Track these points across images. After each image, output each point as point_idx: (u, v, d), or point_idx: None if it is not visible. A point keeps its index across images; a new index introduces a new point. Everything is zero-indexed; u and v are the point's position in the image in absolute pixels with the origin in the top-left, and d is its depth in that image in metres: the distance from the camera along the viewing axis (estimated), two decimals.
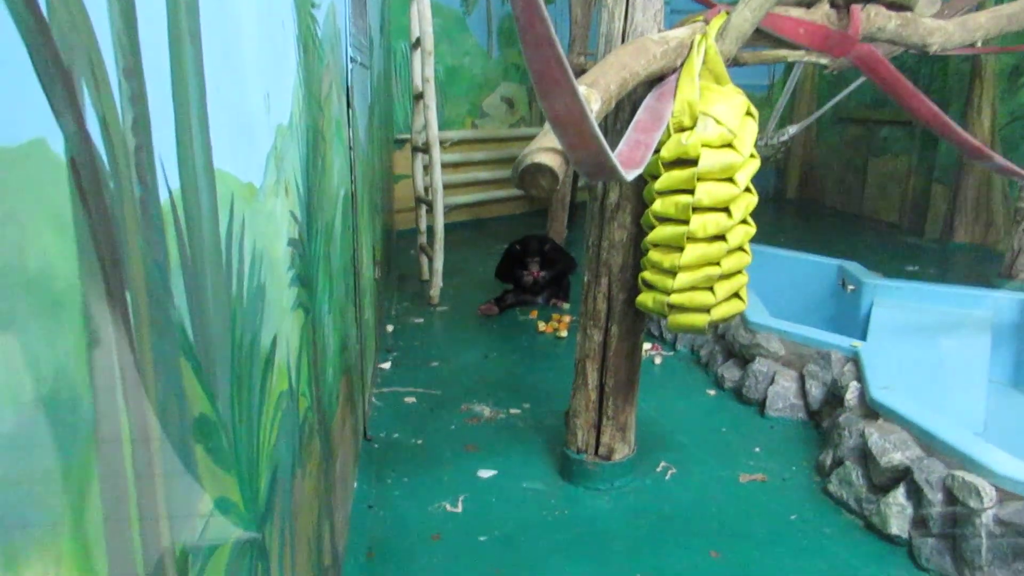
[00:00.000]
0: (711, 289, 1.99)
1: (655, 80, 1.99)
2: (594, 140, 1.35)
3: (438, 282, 4.57)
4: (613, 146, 1.77)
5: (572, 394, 2.55)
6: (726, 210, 1.94)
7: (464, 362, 3.69)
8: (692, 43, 1.99)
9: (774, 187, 8.31)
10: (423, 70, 4.30)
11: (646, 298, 2.11)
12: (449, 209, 6.50)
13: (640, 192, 2.18)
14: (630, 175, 1.55)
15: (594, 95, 1.67)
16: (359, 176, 2.77)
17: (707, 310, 2.00)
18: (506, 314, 4.45)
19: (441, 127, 6.44)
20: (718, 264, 1.97)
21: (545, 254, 4.54)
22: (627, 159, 1.65)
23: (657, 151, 1.96)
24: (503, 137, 7.03)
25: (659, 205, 2.01)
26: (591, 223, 2.35)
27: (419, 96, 4.63)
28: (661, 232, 2.02)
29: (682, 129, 1.94)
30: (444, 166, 5.55)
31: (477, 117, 6.95)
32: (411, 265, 5.34)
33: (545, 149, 1.49)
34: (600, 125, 2.04)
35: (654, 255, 2.05)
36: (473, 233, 6.73)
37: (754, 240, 2.06)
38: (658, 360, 3.69)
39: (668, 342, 3.89)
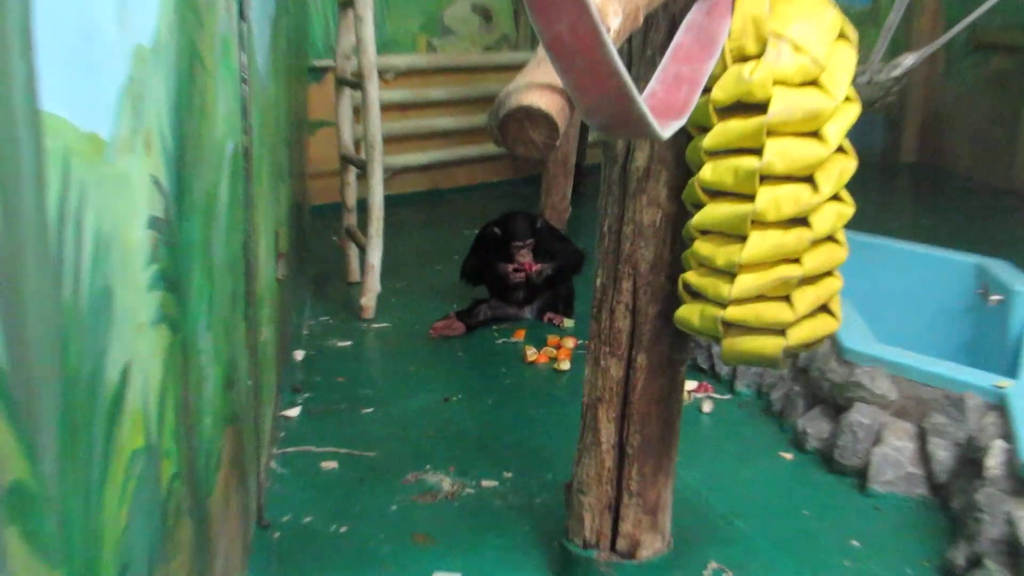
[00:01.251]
0: (787, 299, 2.02)
1: None
2: (613, 76, 1.37)
3: (374, 285, 4.60)
4: (641, 84, 1.79)
5: (577, 458, 2.57)
6: (809, 179, 1.97)
7: (413, 408, 3.71)
8: None
9: (883, 146, 8.39)
10: None
11: (690, 312, 2.14)
12: (391, 174, 6.55)
13: (681, 151, 2.21)
14: (667, 129, 1.58)
15: (612, 5, 1.69)
16: (256, 123, 2.78)
17: (782, 331, 2.03)
18: (477, 335, 4.49)
19: (381, 50, 6.43)
20: (798, 261, 2.00)
21: (540, 238, 4.58)
22: (662, 104, 1.68)
23: (707, 91, 1.99)
24: (475, 66, 7.08)
25: (710, 172, 2.03)
26: (607, 199, 2.38)
27: (347, 3, 4.66)
28: (713, 212, 2.05)
29: (744, 58, 1.96)
30: (385, 108, 5.54)
31: (436, 35, 7.00)
32: (333, 259, 5.36)
33: (539, 86, 1.52)
34: (621, 52, 2.05)
35: (702, 247, 2.08)
36: (428, 211, 6.77)
37: (851, 225, 2.11)
38: (707, 407, 3.73)
39: (723, 380, 3.94)
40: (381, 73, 6.31)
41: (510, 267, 4.51)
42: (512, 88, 1.55)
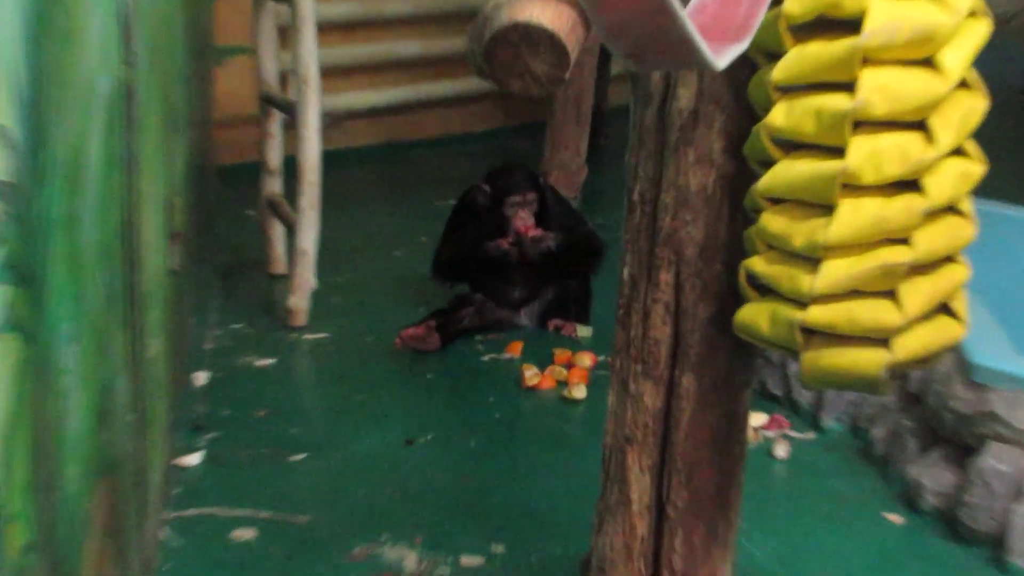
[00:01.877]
0: (892, 295, 2.03)
1: None
2: None
3: (307, 280, 4.63)
4: None
5: (596, 524, 2.59)
6: (921, 126, 1.99)
7: (363, 453, 3.73)
8: None
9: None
10: None
11: (756, 314, 2.15)
12: (332, 121, 6.51)
13: (742, 87, 2.22)
14: (722, 57, 1.59)
15: None
16: (143, 52, 2.79)
17: (885, 340, 2.04)
18: (455, 349, 4.52)
19: None
20: (906, 242, 2.01)
21: (542, 195, 4.61)
22: (716, 21, 1.70)
23: (777, 2, 2.00)
24: None
25: (782, 116, 2.04)
26: (638, 155, 2.39)
27: None
28: (787, 173, 2.06)
29: None
30: (325, 28, 5.50)
31: None
32: (250, 242, 5.39)
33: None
34: None
35: (773, 222, 2.09)
36: (385, 174, 6.75)
37: (980, 191, 2.13)
38: (782, 450, 3.75)
39: (804, 411, 3.96)
40: None
41: (501, 243, 4.53)
42: (503, 3, 1.56)
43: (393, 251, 5.45)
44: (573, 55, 1.54)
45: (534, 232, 4.53)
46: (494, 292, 4.67)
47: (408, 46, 7.01)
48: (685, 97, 2.29)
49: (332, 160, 4.97)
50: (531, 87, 1.58)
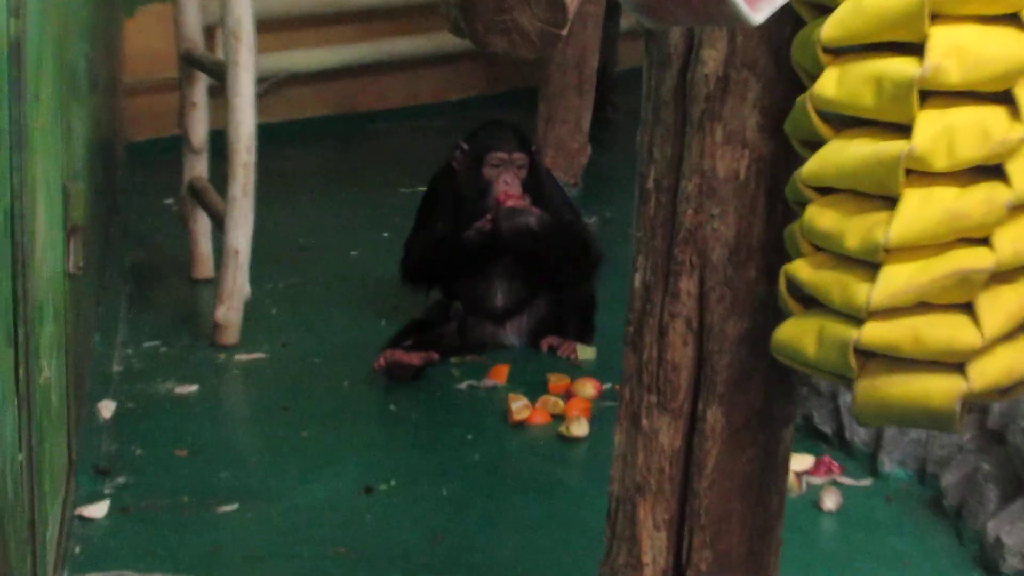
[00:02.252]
0: (969, 309, 2.02)
1: None
2: None
3: (238, 286, 4.62)
4: None
5: None
6: (1005, 97, 1.99)
7: (309, 504, 3.73)
8: None
9: None
10: None
11: (800, 332, 2.14)
12: (270, 86, 6.50)
13: (783, 48, 2.22)
14: (759, 9, 1.59)
15: None
16: None
17: (958, 366, 2.03)
18: (426, 375, 4.52)
19: None
20: (986, 242, 2.01)
21: (534, 163, 4.68)
22: None
23: None
24: None
25: (834, 84, 2.04)
26: (652, 131, 2.39)
27: None
28: (839, 155, 2.05)
29: None
30: None
31: None
32: (167, 238, 5.35)
33: None
34: None
35: (821, 217, 2.09)
36: (338, 153, 6.72)
37: None
38: (832, 500, 3.74)
39: (859, 451, 3.96)
40: None
41: (485, 221, 4.56)
42: None
43: (348, 250, 5.44)
44: (573, 6, 1.54)
45: (514, 200, 4.52)
46: (472, 299, 4.66)
47: None
48: (712, 60, 2.28)
49: (272, 135, 4.97)
50: (519, 46, 1.58)
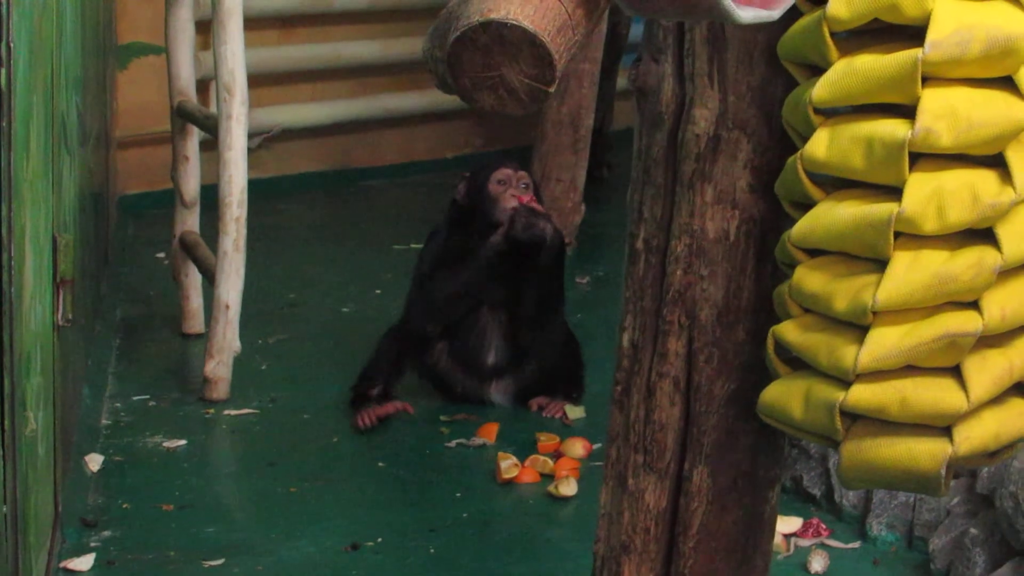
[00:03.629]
0: (955, 372, 2.03)
1: None
2: None
3: (229, 341, 4.61)
4: None
5: None
6: (995, 161, 2.00)
7: (296, 561, 3.71)
8: None
9: None
10: None
11: (788, 394, 2.14)
12: (262, 141, 6.47)
13: (774, 107, 2.24)
14: (747, 9, 1.60)
15: None
16: (22, 44, 2.78)
17: (945, 429, 2.03)
18: (415, 431, 4.51)
19: None
20: (975, 306, 2.02)
21: (537, 190, 4.70)
22: None
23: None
24: None
25: (824, 144, 2.05)
26: (643, 190, 2.40)
27: None
28: (829, 217, 2.06)
29: None
30: (257, 23, 5.51)
31: None
32: (158, 292, 5.34)
33: None
34: None
35: (810, 279, 2.09)
36: (331, 209, 6.70)
37: None
38: (819, 564, 3.72)
39: (847, 514, 3.95)
40: None
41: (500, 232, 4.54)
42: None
43: (339, 307, 5.43)
44: (561, 63, 1.53)
45: (530, 201, 4.56)
46: (462, 355, 4.65)
47: (362, 47, 7.00)
48: (703, 120, 2.29)
49: (264, 190, 4.98)
50: (507, 103, 1.58)
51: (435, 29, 1.57)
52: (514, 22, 1.44)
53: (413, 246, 4.94)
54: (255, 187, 4.67)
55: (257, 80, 4.88)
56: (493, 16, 1.46)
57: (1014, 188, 1.99)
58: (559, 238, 4.63)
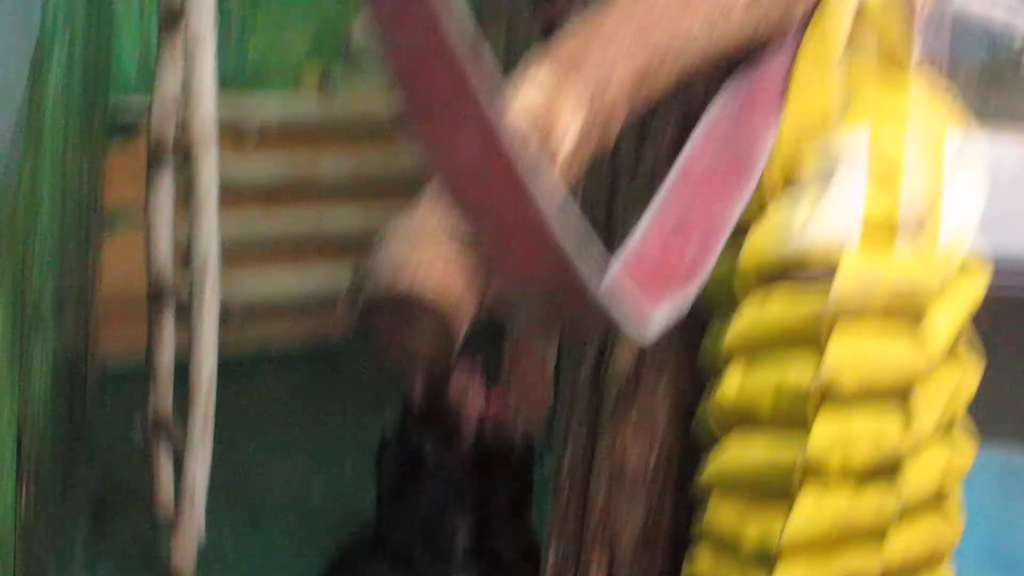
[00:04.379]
0: None
1: (732, 61, 2.12)
2: (542, 234, 1.45)
3: (193, 524, 4.59)
4: (614, 236, 1.90)
5: None
6: (900, 402, 2.06)
7: None
8: None
9: None
10: None
11: None
12: (241, 320, 6.38)
13: (694, 346, 2.28)
14: (655, 314, 1.66)
15: (568, 94, 1.77)
16: None
17: None
18: None
19: (241, 88, 6.46)
20: (879, 540, 2.06)
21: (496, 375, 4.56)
22: (654, 271, 1.80)
23: (735, 238, 2.06)
24: None
25: (736, 385, 2.12)
26: (569, 420, 2.46)
27: (173, 18, 4.76)
28: (740, 455, 2.12)
29: (793, 188, 2.08)
30: (239, 194, 5.51)
31: (336, 65, 7.07)
32: (132, 471, 5.33)
33: (433, 240, 1.58)
34: (595, 174, 2.20)
35: (721, 512, 2.15)
36: (310, 386, 6.64)
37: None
38: None
39: None
40: (237, 130, 6.33)
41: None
42: (387, 241, 1.59)
43: (310, 490, 5.44)
44: (464, 324, 1.58)
45: (499, 409, 4.48)
46: (430, 547, 4.62)
47: (345, 217, 6.98)
48: (623, 358, 2.34)
49: (242, 365, 4.92)
50: (411, 362, 1.62)
51: (352, 283, 1.61)
52: (417, 293, 1.48)
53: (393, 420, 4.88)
54: (231, 364, 4.65)
55: (239, 251, 4.84)
56: (400, 287, 1.50)
57: (916, 432, 2.05)
58: (528, 444, 4.58)
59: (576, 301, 1.54)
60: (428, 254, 1.55)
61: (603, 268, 1.55)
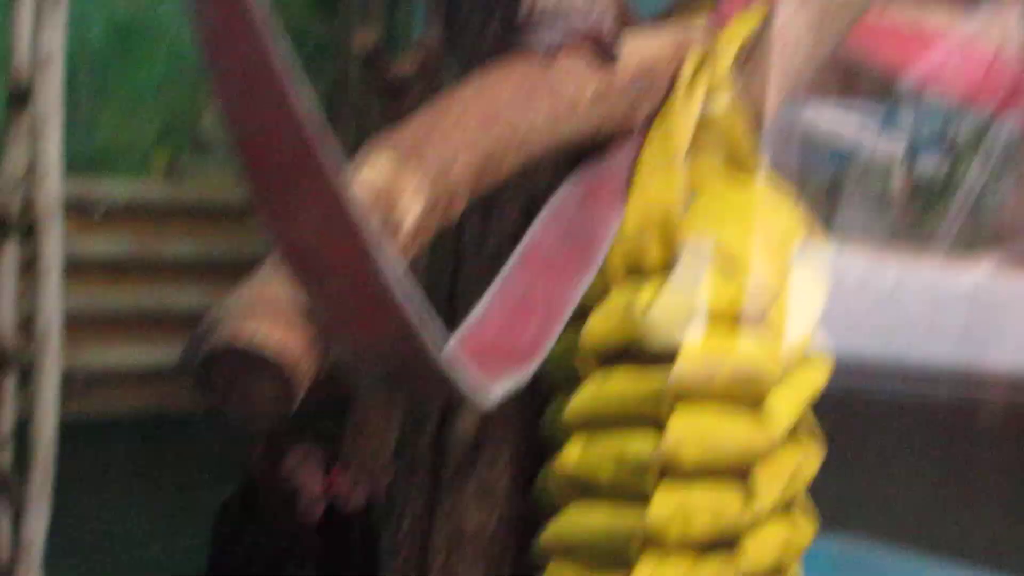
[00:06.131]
0: None
1: (576, 152, 2.14)
2: (386, 305, 1.42)
3: (29, 574, 4.46)
4: (456, 314, 1.86)
5: None
6: (742, 477, 2.06)
7: None
8: (679, 68, 2.17)
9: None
10: (36, 28, 4.38)
11: None
12: (83, 387, 6.37)
13: (533, 416, 2.26)
14: (495, 386, 1.62)
15: (409, 179, 1.76)
16: None
17: None
18: None
19: (89, 168, 6.47)
20: None
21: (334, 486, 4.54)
22: (495, 345, 1.76)
23: (577, 319, 2.04)
24: (246, 206, 7.12)
25: (577, 456, 2.10)
26: (408, 483, 2.44)
27: (21, 95, 4.67)
28: (580, 522, 2.10)
29: (639, 272, 2.09)
30: (86, 268, 5.48)
31: (184, 152, 7.07)
32: None
33: (274, 300, 1.56)
34: (438, 251, 2.19)
35: None
36: (148, 453, 6.59)
37: (876, 525, 2.22)
38: None
39: None
40: (84, 207, 6.31)
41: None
42: (230, 302, 1.56)
43: (151, 551, 5.34)
44: (302, 384, 1.54)
45: (337, 484, 4.44)
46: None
47: (188, 295, 6.94)
48: (464, 426, 2.33)
49: (84, 431, 4.85)
50: (248, 419, 1.59)
51: (194, 336, 1.57)
52: (259, 346, 1.46)
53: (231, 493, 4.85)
54: (74, 428, 4.59)
55: (84, 323, 4.82)
56: (243, 339, 1.47)
57: (755, 507, 2.05)
58: (368, 520, 4.53)
59: (417, 368, 1.51)
60: (269, 316, 1.53)
61: (442, 342, 1.50)
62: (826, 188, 3.29)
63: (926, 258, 3.69)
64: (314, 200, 1.36)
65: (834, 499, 2.28)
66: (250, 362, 1.51)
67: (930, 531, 3.94)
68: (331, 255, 1.41)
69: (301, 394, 1.55)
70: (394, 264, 1.42)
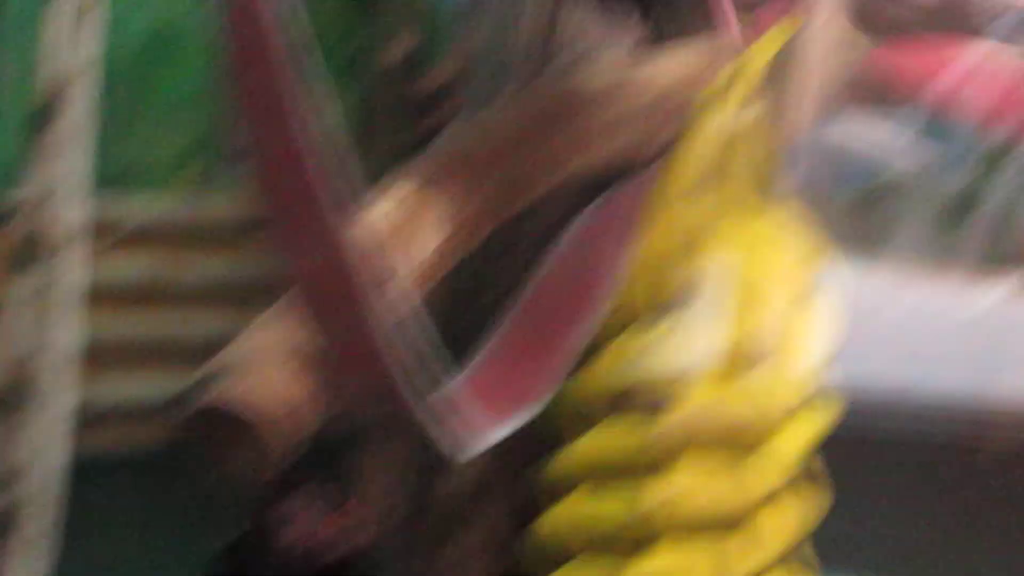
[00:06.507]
0: None
1: (597, 182, 2.10)
2: (374, 357, 1.45)
3: None
4: (478, 340, 1.85)
5: None
6: (742, 524, 2.04)
7: None
8: (706, 92, 2.12)
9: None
10: (66, 40, 4.37)
11: None
12: (99, 417, 6.34)
13: (527, 463, 2.22)
14: (482, 435, 1.65)
15: (428, 217, 1.79)
16: None
17: None
18: None
19: (111, 185, 6.45)
20: None
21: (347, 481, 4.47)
22: (492, 391, 1.76)
23: (583, 361, 2.04)
24: None
25: (583, 506, 2.07)
26: (403, 531, 2.48)
27: (45, 112, 4.69)
28: (585, 573, 2.06)
29: (654, 311, 2.04)
30: (101, 295, 5.48)
31: (215, 165, 7.08)
32: None
33: (270, 357, 1.59)
34: (451, 285, 2.08)
35: None
36: (158, 489, 6.55)
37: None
38: None
39: None
40: (105, 229, 6.31)
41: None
42: (229, 353, 1.56)
43: None
44: (277, 450, 1.58)
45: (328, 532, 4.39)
46: None
47: (211, 323, 6.94)
48: (456, 476, 2.29)
49: (97, 467, 4.85)
50: (228, 474, 1.62)
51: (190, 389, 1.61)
52: (237, 410, 1.47)
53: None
54: (87, 464, 4.58)
55: (99, 355, 4.80)
56: (222, 399, 1.48)
57: (760, 556, 2.05)
58: (373, 560, 4.50)
59: (397, 414, 1.56)
60: (267, 370, 1.59)
61: (440, 382, 1.55)
62: (850, 205, 3.29)
63: (948, 277, 3.73)
64: (314, 240, 1.41)
65: (837, 537, 2.23)
66: (231, 423, 1.55)
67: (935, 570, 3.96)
68: (327, 294, 1.46)
69: (277, 457, 1.59)
70: (387, 311, 1.46)
